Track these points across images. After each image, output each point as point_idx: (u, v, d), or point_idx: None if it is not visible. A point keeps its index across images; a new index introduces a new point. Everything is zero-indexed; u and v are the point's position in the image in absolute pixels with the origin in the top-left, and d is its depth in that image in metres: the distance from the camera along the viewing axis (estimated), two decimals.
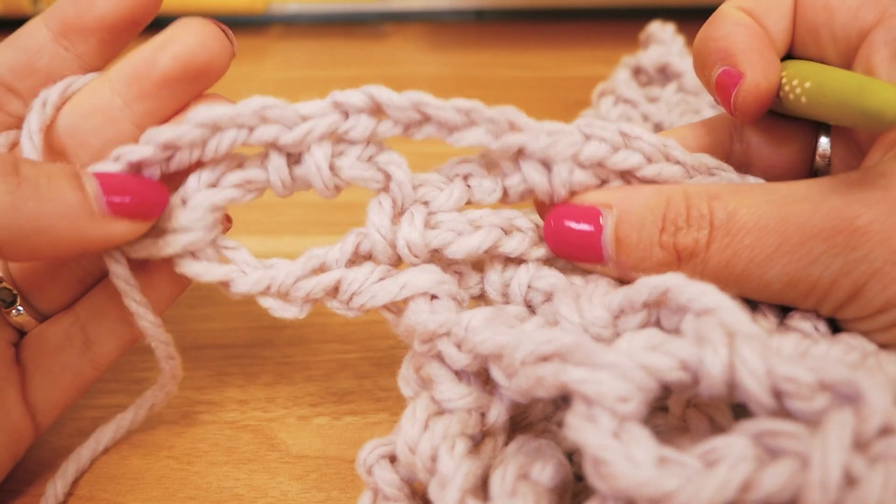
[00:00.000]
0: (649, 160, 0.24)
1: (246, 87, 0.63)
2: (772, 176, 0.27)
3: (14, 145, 0.26)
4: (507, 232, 0.25)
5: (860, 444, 0.16)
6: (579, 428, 0.17)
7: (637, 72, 0.45)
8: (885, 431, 0.16)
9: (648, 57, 0.44)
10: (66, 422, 0.29)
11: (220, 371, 0.32)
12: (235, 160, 0.25)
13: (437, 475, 0.21)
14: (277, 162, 0.24)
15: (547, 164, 0.24)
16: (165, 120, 0.25)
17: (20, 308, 0.26)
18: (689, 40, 0.46)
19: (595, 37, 0.71)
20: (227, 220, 0.27)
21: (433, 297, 0.24)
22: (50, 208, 0.21)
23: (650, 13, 0.55)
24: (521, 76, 0.63)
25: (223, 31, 0.25)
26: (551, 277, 0.25)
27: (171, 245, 0.24)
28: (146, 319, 0.25)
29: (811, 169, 0.27)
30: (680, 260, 0.23)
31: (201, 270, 0.24)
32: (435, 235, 0.24)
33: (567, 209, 0.24)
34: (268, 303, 0.25)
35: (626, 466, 0.16)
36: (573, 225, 0.24)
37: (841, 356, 0.20)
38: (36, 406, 0.26)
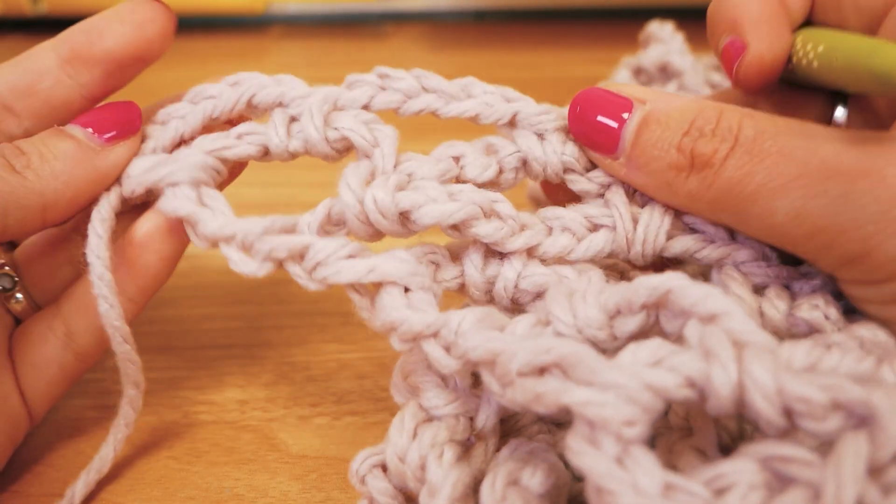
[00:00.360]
0: None
1: None
2: None
3: None
4: (486, 214, 0.24)
5: (874, 471, 0.15)
6: (582, 453, 0.17)
7: (638, 72, 0.45)
8: None
9: (648, 56, 0.44)
10: (66, 422, 0.30)
11: (220, 371, 0.32)
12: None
13: (427, 484, 0.20)
14: (279, 116, 0.26)
15: (541, 136, 0.25)
16: (108, 89, 0.27)
17: (19, 296, 0.27)
18: (689, 38, 0.47)
19: (595, 37, 0.71)
20: (236, 168, 0.28)
21: (406, 289, 0.23)
22: (61, 164, 0.25)
23: (650, 13, 0.55)
24: (521, 76, 0.63)
25: (166, 10, 0.26)
26: (540, 275, 0.24)
27: (157, 169, 0.25)
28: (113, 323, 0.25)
29: None
30: (692, 167, 0.22)
31: (175, 204, 0.24)
32: (406, 197, 0.23)
33: (600, 94, 0.24)
34: (229, 252, 0.24)
35: (632, 497, 0.16)
36: (601, 116, 0.24)
37: (854, 366, 0.19)
38: (27, 395, 0.27)
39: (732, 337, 0.17)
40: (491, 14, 0.77)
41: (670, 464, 0.20)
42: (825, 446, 0.16)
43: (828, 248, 0.21)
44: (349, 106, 0.26)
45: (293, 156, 0.26)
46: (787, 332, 0.22)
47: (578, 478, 0.22)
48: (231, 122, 0.27)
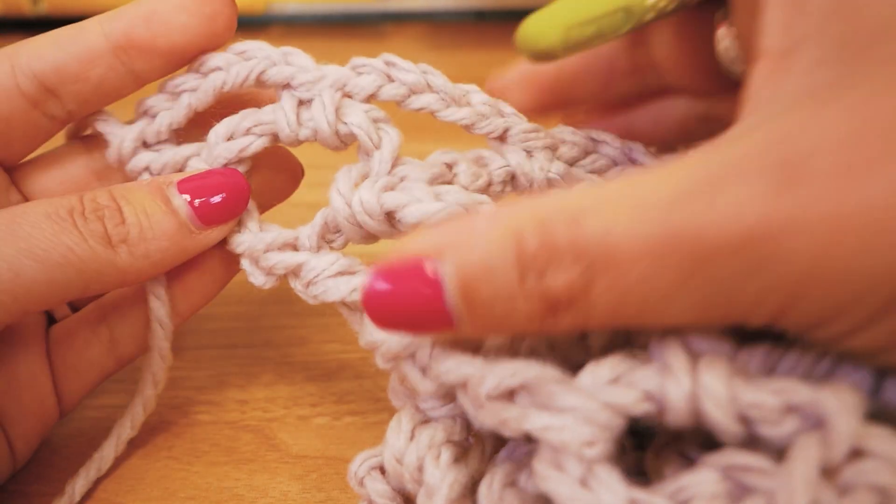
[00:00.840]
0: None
1: None
2: (697, 83, 0.26)
3: None
4: None
5: (829, 472, 0.15)
6: (547, 477, 0.17)
7: None
8: (854, 455, 0.16)
9: None
10: (67, 422, 0.29)
11: (220, 371, 0.32)
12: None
13: (425, 485, 0.21)
14: (288, 101, 0.25)
15: (529, 153, 0.26)
16: (162, 76, 0.26)
17: None
18: None
19: None
20: (300, 172, 0.29)
21: None
22: (156, 246, 0.24)
23: None
24: None
25: (232, 2, 0.25)
26: None
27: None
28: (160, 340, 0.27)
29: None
30: (557, 310, 0.17)
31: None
32: (391, 197, 0.24)
33: (385, 270, 0.18)
34: (245, 265, 0.26)
35: None
36: (399, 286, 0.18)
37: (812, 366, 0.18)
38: (62, 394, 0.27)
39: (689, 348, 0.18)
40: (491, 14, 0.77)
41: (657, 470, 0.20)
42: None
43: (750, 315, 0.17)
44: (356, 94, 0.26)
45: (300, 142, 0.26)
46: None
47: None
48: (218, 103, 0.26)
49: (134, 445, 0.29)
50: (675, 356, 0.17)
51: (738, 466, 0.16)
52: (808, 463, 0.15)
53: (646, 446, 0.22)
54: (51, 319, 0.28)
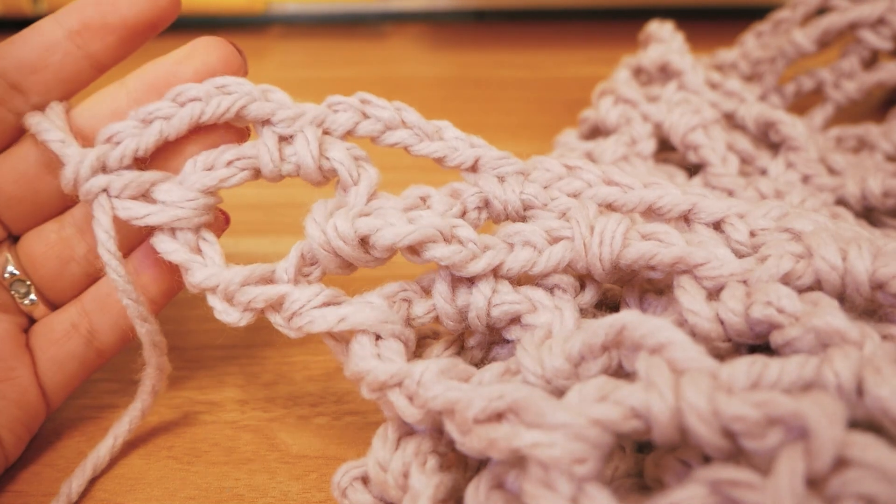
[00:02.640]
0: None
1: None
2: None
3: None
4: (446, 238, 0.24)
5: (815, 483, 0.15)
6: (537, 497, 0.17)
7: (638, 72, 0.45)
8: (839, 464, 0.15)
9: (648, 56, 0.44)
10: (66, 422, 0.30)
11: (220, 371, 0.32)
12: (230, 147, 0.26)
13: (410, 490, 0.21)
14: (269, 137, 0.26)
15: (501, 178, 0.26)
16: (117, 58, 0.27)
17: (33, 297, 0.28)
18: (689, 38, 0.46)
19: (595, 37, 0.71)
20: (224, 220, 0.28)
21: (377, 336, 0.23)
22: None
23: (650, 13, 0.55)
24: (521, 76, 0.63)
25: (238, 51, 0.27)
26: (511, 303, 0.24)
27: (156, 215, 0.25)
28: (118, 276, 0.25)
29: None
30: None
31: (169, 248, 0.25)
32: (364, 223, 0.24)
33: None
34: (213, 302, 0.25)
35: None
36: None
37: (797, 373, 0.18)
38: (46, 388, 0.28)
39: (673, 365, 0.18)
40: (491, 14, 0.77)
41: (657, 478, 0.21)
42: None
43: None
44: (335, 130, 0.27)
45: (282, 178, 0.27)
46: (750, 333, 0.22)
47: None
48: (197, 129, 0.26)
49: (134, 445, 0.29)
50: (658, 370, 0.18)
51: (726, 481, 0.16)
52: (794, 475, 0.15)
53: (646, 448, 0.22)
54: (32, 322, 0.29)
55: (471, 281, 0.25)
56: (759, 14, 0.51)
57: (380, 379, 0.22)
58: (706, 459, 0.19)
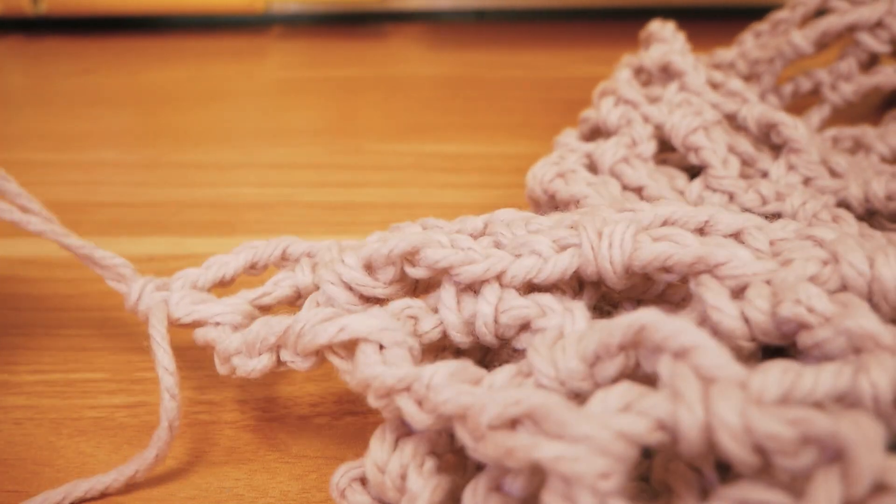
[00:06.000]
0: None
1: (246, 86, 0.62)
2: None
3: None
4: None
5: None
6: None
7: (639, 72, 0.45)
8: (878, 489, 0.15)
9: (650, 56, 0.44)
10: (66, 422, 0.29)
11: None
12: None
13: (407, 492, 0.20)
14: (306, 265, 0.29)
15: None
16: None
17: None
18: (690, 38, 0.46)
19: (595, 37, 0.71)
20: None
21: (381, 346, 0.23)
22: None
23: (650, 13, 0.55)
24: (521, 76, 0.63)
25: None
26: (519, 307, 0.24)
27: (203, 312, 0.29)
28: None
29: None
30: None
31: (208, 337, 0.28)
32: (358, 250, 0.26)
33: None
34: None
35: None
36: None
37: (832, 383, 0.17)
38: None
39: (700, 373, 0.17)
40: (491, 14, 0.77)
41: (665, 483, 0.20)
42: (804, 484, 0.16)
43: None
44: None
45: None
46: (776, 333, 0.21)
47: None
48: None
49: (134, 445, 0.29)
50: (686, 380, 0.17)
51: (753, 502, 0.16)
52: (830, 501, 0.15)
53: (650, 450, 0.22)
54: None
55: (477, 293, 0.25)
56: (758, 14, 0.51)
57: (387, 383, 0.21)
58: (719, 466, 0.19)
